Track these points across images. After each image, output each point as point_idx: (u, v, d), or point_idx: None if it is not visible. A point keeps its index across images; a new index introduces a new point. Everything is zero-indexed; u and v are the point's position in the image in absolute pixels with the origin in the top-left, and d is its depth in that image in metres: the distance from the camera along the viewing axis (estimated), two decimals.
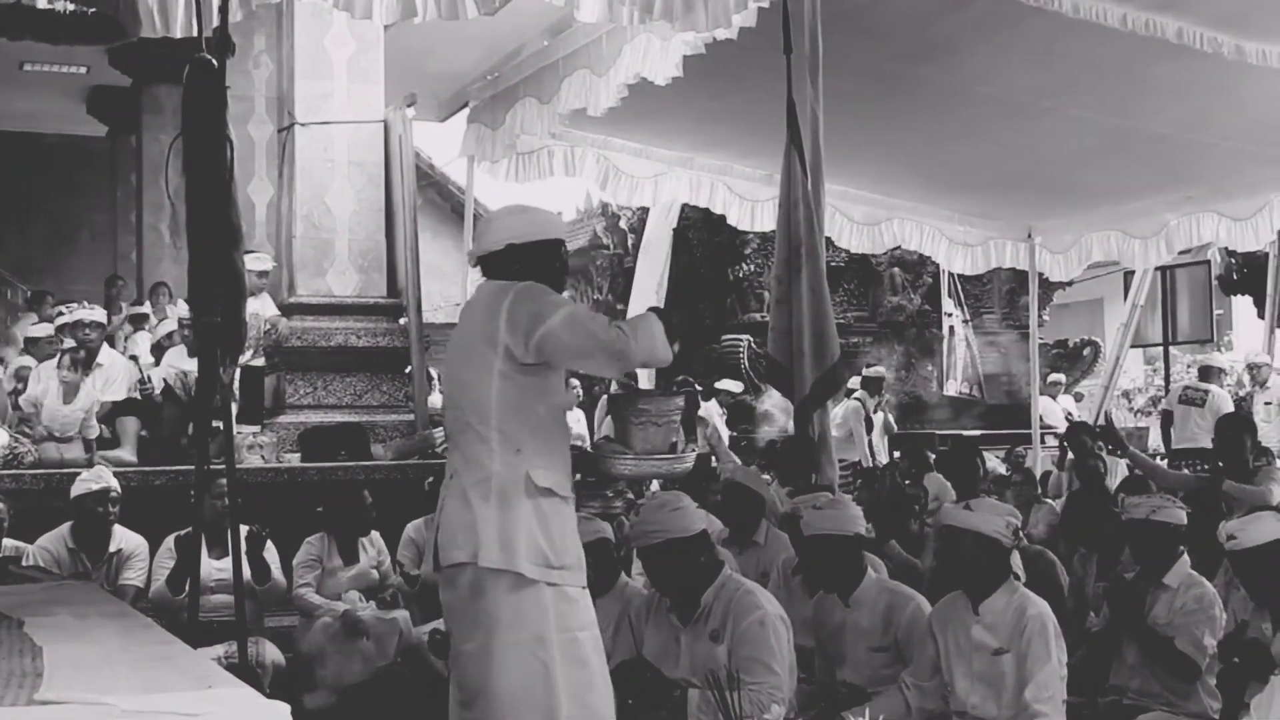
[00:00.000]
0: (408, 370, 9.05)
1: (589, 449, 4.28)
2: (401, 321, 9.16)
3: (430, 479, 7.15)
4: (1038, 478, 10.58)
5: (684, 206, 13.33)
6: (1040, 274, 12.04)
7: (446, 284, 19.04)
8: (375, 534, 7.07)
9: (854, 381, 14.46)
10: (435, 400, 9.23)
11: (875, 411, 14.45)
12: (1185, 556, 5.42)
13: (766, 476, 8.87)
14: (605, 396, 13.81)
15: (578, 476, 4.24)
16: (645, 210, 16.07)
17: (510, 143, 9.10)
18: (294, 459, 8.08)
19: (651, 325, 3.91)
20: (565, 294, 4.18)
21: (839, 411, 14.82)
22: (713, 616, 4.62)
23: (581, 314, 3.94)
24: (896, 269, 18.73)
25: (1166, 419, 13.04)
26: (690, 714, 4.42)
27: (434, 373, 9.66)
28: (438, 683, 6.09)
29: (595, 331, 3.85)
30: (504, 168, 9.69)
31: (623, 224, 19.29)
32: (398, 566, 6.98)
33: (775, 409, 14.52)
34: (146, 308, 11.37)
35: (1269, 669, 4.11)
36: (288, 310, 8.90)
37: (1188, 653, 5.07)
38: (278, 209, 10.11)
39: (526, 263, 4.04)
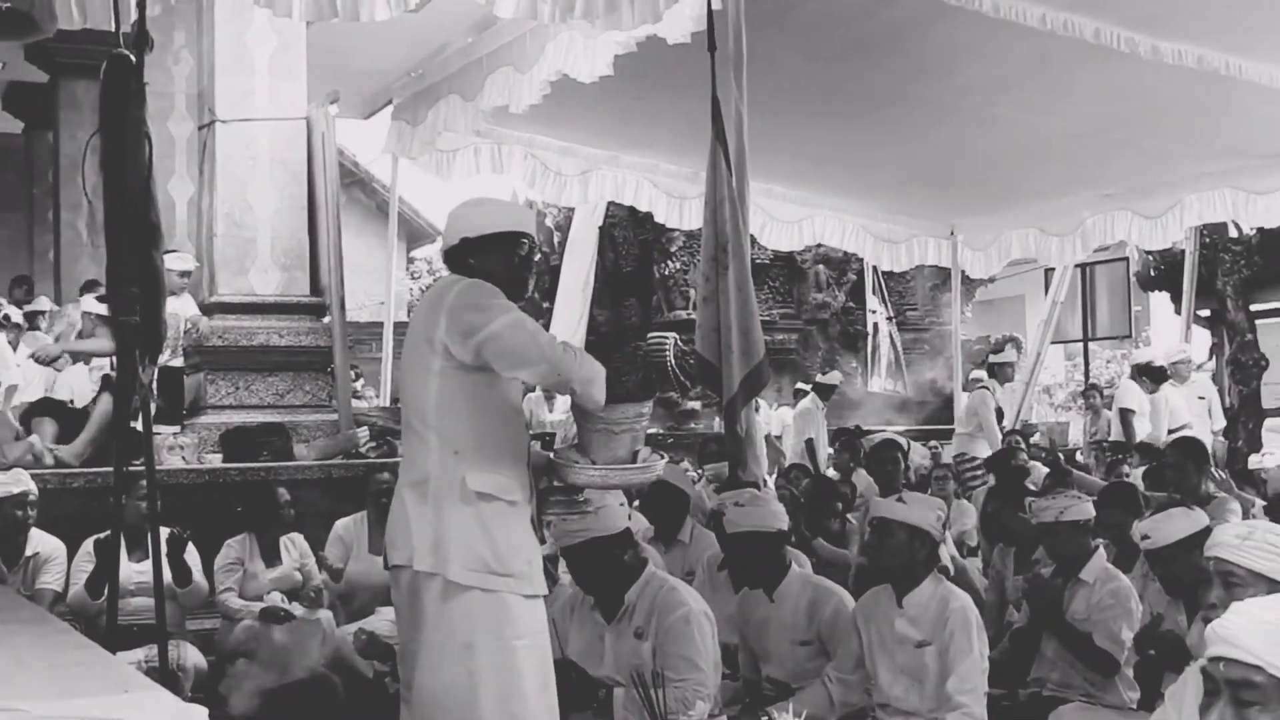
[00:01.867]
0: (331, 370, 8.96)
1: (551, 456, 4.16)
2: (325, 320, 9.07)
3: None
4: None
5: (609, 204, 13.33)
6: (963, 271, 12.17)
7: (371, 282, 18.88)
8: (298, 536, 7.00)
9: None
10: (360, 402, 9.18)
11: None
12: (1101, 551, 5.52)
13: (693, 473, 8.91)
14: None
15: (552, 483, 4.14)
16: (571, 209, 16.07)
17: (433, 140, 9.05)
18: (215, 460, 7.98)
19: (592, 364, 3.84)
20: (530, 288, 4.10)
21: (791, 414, 14.95)
22: (637, 614, 4.62)
23: (526, 321, 3.81)
24: (821, 266, 18.86)
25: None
26: (616, 713, 4.43)
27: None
28: (362, 684, 6.06)
29: (540, 341, 3.76)
30: (428, 165, 9.65)
31: (549, 222, 19.26)
32: (324, 563, 6.91)
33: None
34: (44, 303, 11.24)
35: (1184, 660, 4.18)
36: (209, 309, 8.79)
37: (1106, 646, 5.15)
38: (198, 207, 9.99)
39: (482, 257, 3.92)
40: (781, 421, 15.75)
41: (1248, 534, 3.63)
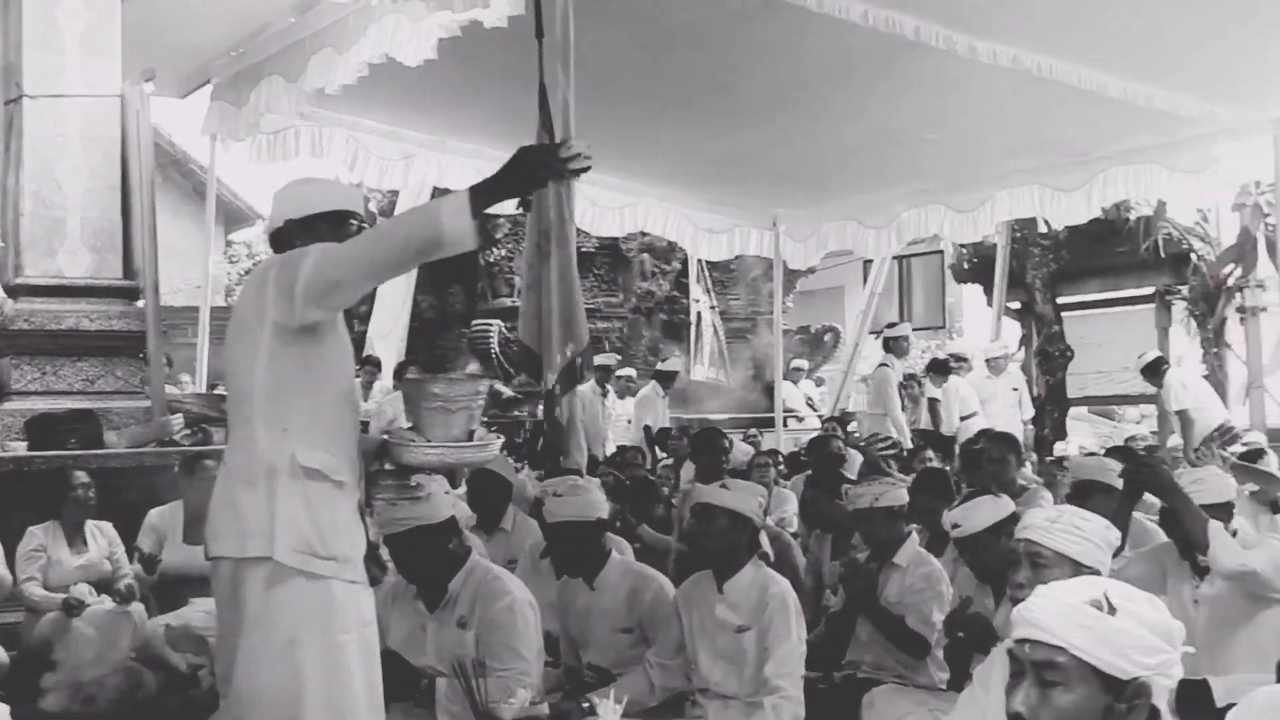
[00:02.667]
0: (144, 355, 8.70)
1: (385, 437, 4.03)
2: (138, 304, 8.79)
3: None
4: (781, 460, 10.86)
5: (434, 190, 13.19)
6: (784, 261, 12.35)
7: (187, 266, 18.40)
8: (107, 524, 6.79)
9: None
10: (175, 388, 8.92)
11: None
12: (914, 536, 5.67)
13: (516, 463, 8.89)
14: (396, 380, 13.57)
15: (385, 465, 4.03)
16: (395, 193, 15.85)
17: (254, 121, 8.84)
18: (20, 447, 7.68)
19: (420, 211, 3.57)
20: None
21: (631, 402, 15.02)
22: (460, 603, 4.58)
23: (329, 245, 3.60)
24: (646, 255, 18.97)
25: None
26: (438, 703, 4.38)
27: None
28: (174, 677, 5.91)
29: (344, 249, 3.56)
30: (247, 147, 9.42)
31: (372, 206, 18.99)
32: (136, 552, 6.71)
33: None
34: None
35: (992, 641, 4.31)
36: (14, 292, 8.44)
37: (918, 629, 5.29)
38: (3, 185, 9.59)
39: (308, 238, 3.74)
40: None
41: (1056, 517, 3.76)
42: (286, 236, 3.82)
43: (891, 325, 13.82)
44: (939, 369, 13.24)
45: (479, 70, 7.66)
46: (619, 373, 15.20)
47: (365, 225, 3.93)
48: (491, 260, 18.24)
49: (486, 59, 7.23)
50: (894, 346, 12.83)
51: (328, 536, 3.63)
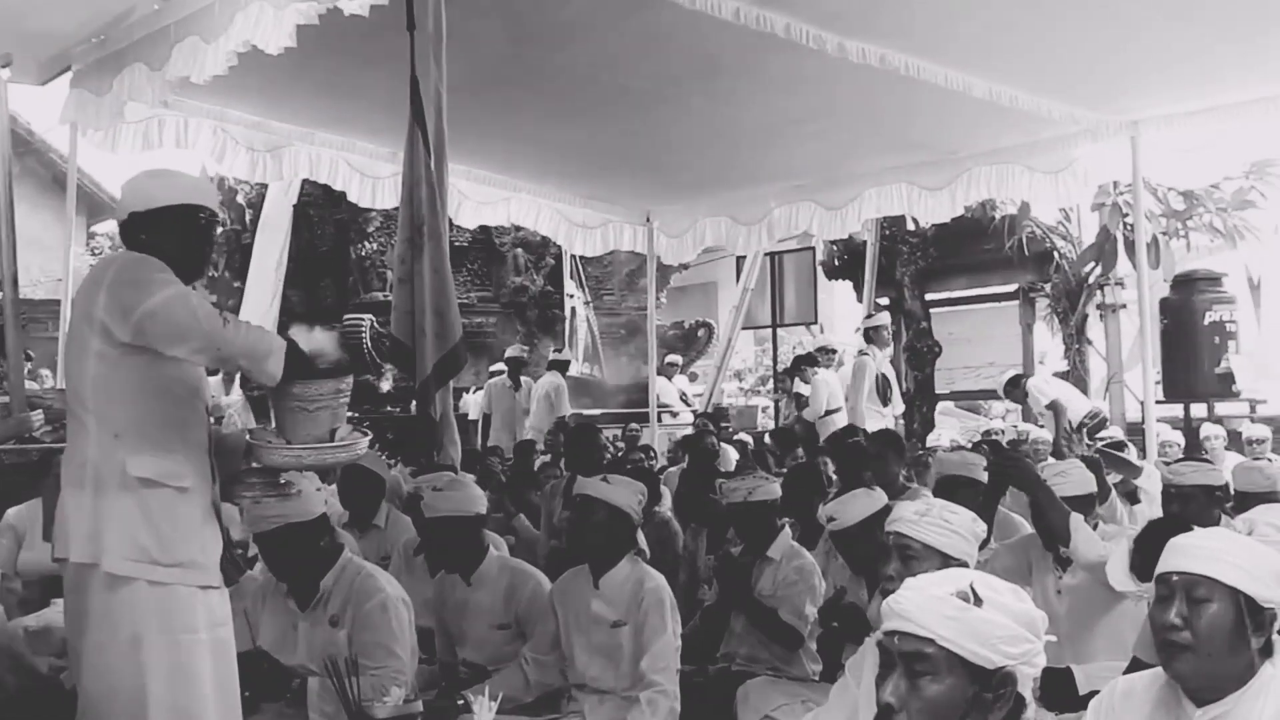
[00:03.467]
0: (2, 349, 8.45)
1: (247, 436, 3.94)
2: None
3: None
4: (655, 455, 10.92)
5: (305, 182, 12.99)
6: (658, 257, 12.38)
7: (47, 258, 17.87)
8: None
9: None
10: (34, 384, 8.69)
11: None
12: (786, 530, 5.74)
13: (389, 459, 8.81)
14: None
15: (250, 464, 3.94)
16: (264, 186, 15.61)
17: (117, 110, 8.60)
18: None
19: (265, 337, 3.67)
20: (209, 264, 3.91)
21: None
22: (332, 601, 4.53)
23: (188, 296, 3.58)
24: (520, 250, 18.92)
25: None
26: (310, 703, 4.32)
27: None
28: (35, 679, 5.74)
29: (199, 316, 3.54)
30: (109, 137, 9.17)
31: (240, 199, 18.67)
32: None
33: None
34: None
35: (864, 632, 4.37)
36: None
37: (791, 621, 5.36)
38: None
39: (154, 232, 3.69)
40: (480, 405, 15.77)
41: (925, 511, 3.83)
42: (133, 229, 3.74)
43: (869, 316, 14.02)
44: (807, 362, 13.44)
45: (349, 61, 7.55)
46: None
47: (215, 220, 3.88)
48: (363, 254, 18.04)
49: (357, 49, 7.13)
50: (874, 337, 12.97)
51: (170, 544, 3.57)
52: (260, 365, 3.61)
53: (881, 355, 12.96)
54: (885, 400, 12.65)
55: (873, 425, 11.61)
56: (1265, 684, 2.84)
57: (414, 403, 6.80)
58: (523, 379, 14.81)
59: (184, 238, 3.75)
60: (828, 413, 12.71)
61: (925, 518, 3.78)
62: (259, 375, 3.63)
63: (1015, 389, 12.95)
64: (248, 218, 18.28)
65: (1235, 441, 12.47)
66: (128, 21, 8.16)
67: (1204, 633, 2.83)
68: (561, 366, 14.67)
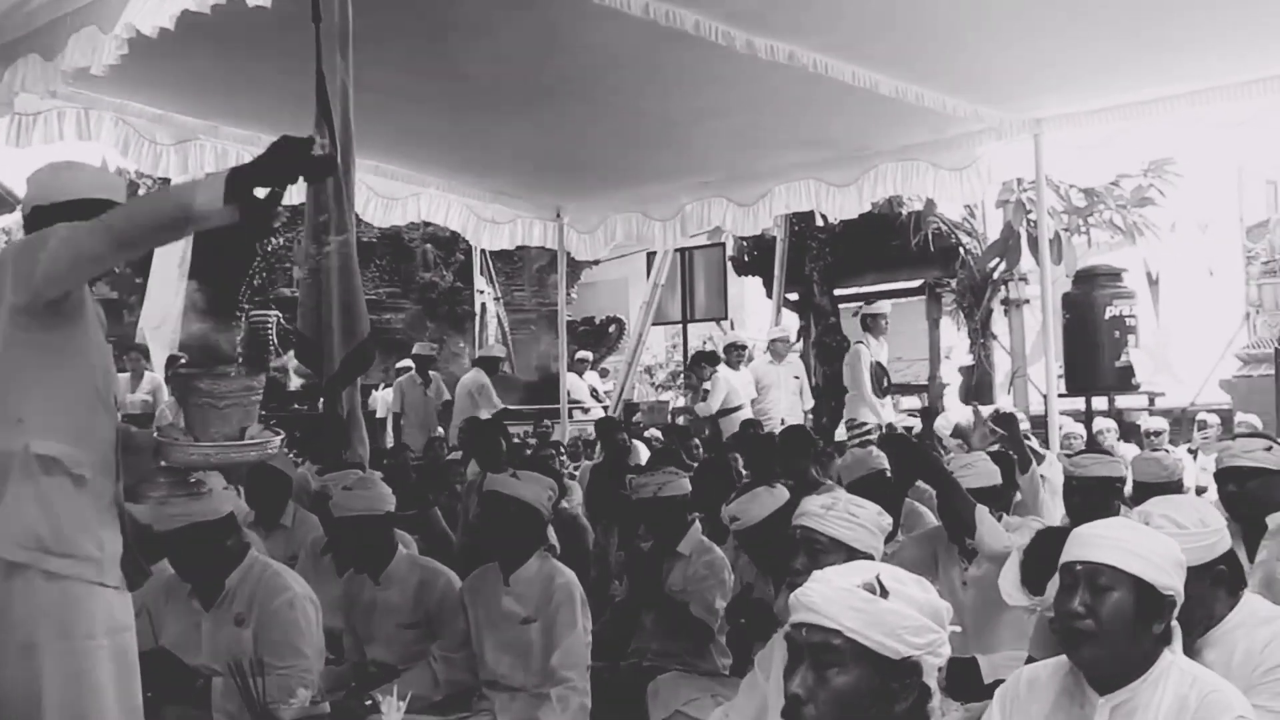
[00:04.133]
0: None
1: (155, 434, 3.85)
2: None
3: None
4: (566, 451, 10.92)
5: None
6: (568, 253, 12.37)
7: None
8: None
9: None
10: None
11: None
12: (697, 525, 5.76)
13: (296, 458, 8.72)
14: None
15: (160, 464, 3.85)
16: (167, 180, 15.36)
17: (8, 101, 8.40)
18: None
19: (184, 185, 3.45)
20: None
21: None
22: (238, 600, 4.47)
23: (77, 225, 3.39)
24: (429, 246, 18.82)
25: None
26: (214, 704, 4.26)
27: None
28: None
29: (111, 212, 3.38)
30: (4, 128, 8.96)
31: (143, 193, 18.36)
32: None
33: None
34: None
35: (772, 627, 4.40)
36: None
37: (701, 616, 5.37)
38: None
39: None
40: (388, 403, 15.66)
41: (831, 504, 3.87)
42: (39, 223, 3.61)
43: (870, 302, 13.80)
44: (707, 360, 13.48)
45: (254, 54, 7.45)
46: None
47: None
48: (270, 250, 17.84)
49: (262, 42, 7.04)
50: (871, 325, 12.80)
51: (66, 533, 3.44)
52: (191, 201, 3.26)
53: (876, 344, 12.85)
54: (882, 391, 12.65)
55: (871, 415, 11.60)
56: (1165, 671, 2.90)
57: (321, 400, 6.73)
58: (432, 374, 14.69)
59: None
60: (726, 411, 12.65)
61: (832, 511, 3.82)
62: (200, 213, 3.24)
63: (930, 418, 12.94)
64: None
65: (1134, 434, 12.74)
66: (24, 10, 7.98)
67: (1106, 620, 2.88)
68: (488, 364, 14.48)
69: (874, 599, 2.50)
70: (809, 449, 7.47)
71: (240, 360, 12.39)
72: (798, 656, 2.55)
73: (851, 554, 3.63)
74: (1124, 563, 2.88)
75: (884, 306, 13.42)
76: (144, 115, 9.18)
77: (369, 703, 4.42)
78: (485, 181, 11.19)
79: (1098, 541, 2.94)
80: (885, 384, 12.81)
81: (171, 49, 6.47)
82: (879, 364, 12.79)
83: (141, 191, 17.56)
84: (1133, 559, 2.89)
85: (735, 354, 13.50)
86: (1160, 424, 12.31)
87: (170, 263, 15.58)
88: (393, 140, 9.48)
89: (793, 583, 3.59)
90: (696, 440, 11.14)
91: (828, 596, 2.52)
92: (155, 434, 3.90)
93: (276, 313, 16.08)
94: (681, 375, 20.80)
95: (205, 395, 3.68)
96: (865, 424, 10.80)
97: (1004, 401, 13.85)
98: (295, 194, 9.85)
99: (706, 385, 12.98)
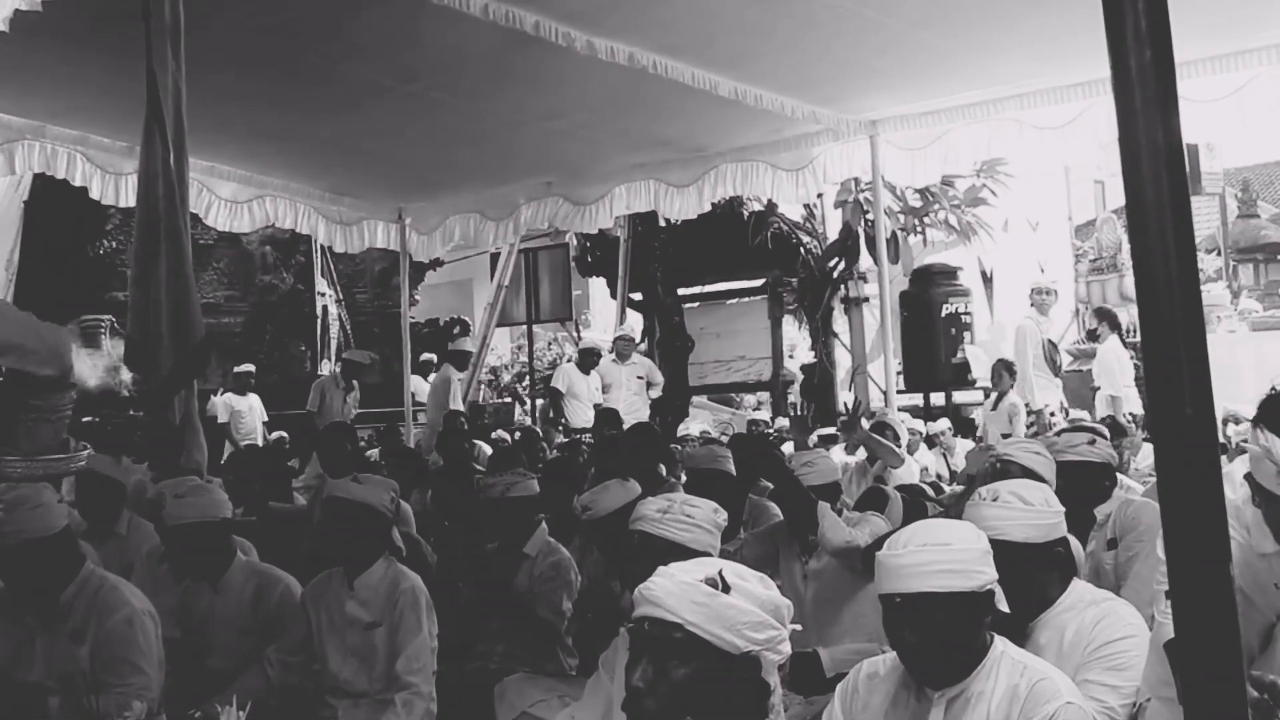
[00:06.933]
0: None
1: None
2: None
3: None
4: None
5: (36, 178, 12.40)
6: (409, 254, 12.28)
7: None
8: None
9: None
10: None
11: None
12: (544, 526, 5.75)
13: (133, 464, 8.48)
14: None
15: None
16: None
17: None
18: None
19: None
20: None
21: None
22: (74, 615, 4.33)
23: None
24: (268, 247, 18.51)
25: None
26: None
27: None
28: None
29: None
30: None
31: None
32: None
33: None
34: None
35: (618, 621, 4.42)
36: None
37: (547, 617, 5.37)
38: None
39: None
40: (228, 407, 15.35)
41: (667, 507, 3.89)
42: None
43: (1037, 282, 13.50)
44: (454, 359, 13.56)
45: (82, 51, 7.25)
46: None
47: None
48: (102, 252, 17.36)
49: (89, 38, 6.86)
50: (1038, 302, 12.42)
51: None
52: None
53: (1045, 321, 12.59)
54: (1056, 369, 12.51)
55: (1043, 396, 11.47)
56: (996, 660, 2.98)
57: (150, 406, 6.56)
58: (355, 383, 14.07)
59: None
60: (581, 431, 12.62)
61: (668, 515, 3.84)
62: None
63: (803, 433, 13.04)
64: None
65: (971, 428, 13.09)
66: None
67: (942, 642, 2.93)
68: (458, 359, 14.20)
69: (715, 594, 2.53)
70: (655, 446, 7.52)
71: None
72: (640, 650, 2.57)
73: (690, 555, 3.66)
74: (941, 584, 2.90)
75: (1050, 281, 13.11)
76: None
77: (198, 715, 4.31)
78: (328, 182, 11.07)
79: (908, 571, 2.93)
80: (1058, 363, 12.60)
81: None
82: (1050, 341, 12.55)
83: None
84: (949, 578, 2.90)
85: (589, 359, 13.45)
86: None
87: None
88: (233, 141, 9.33)
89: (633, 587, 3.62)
90: (544, 444, 11.12)
91: (670, 591, 2.55)
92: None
93: (109, 317, 15.66)
94: (528, 377, 20.78)
95: (36, 409, 3.58)
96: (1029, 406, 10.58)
97: (844, 398, 14.08)
98: (127, 196, 9.70)
99: (560, 387, 12.96)
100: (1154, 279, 1.71)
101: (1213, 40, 7.23)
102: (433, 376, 14.67)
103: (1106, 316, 12.38)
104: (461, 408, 13.48)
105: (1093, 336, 12.44)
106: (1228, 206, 22.93)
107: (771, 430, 13.22)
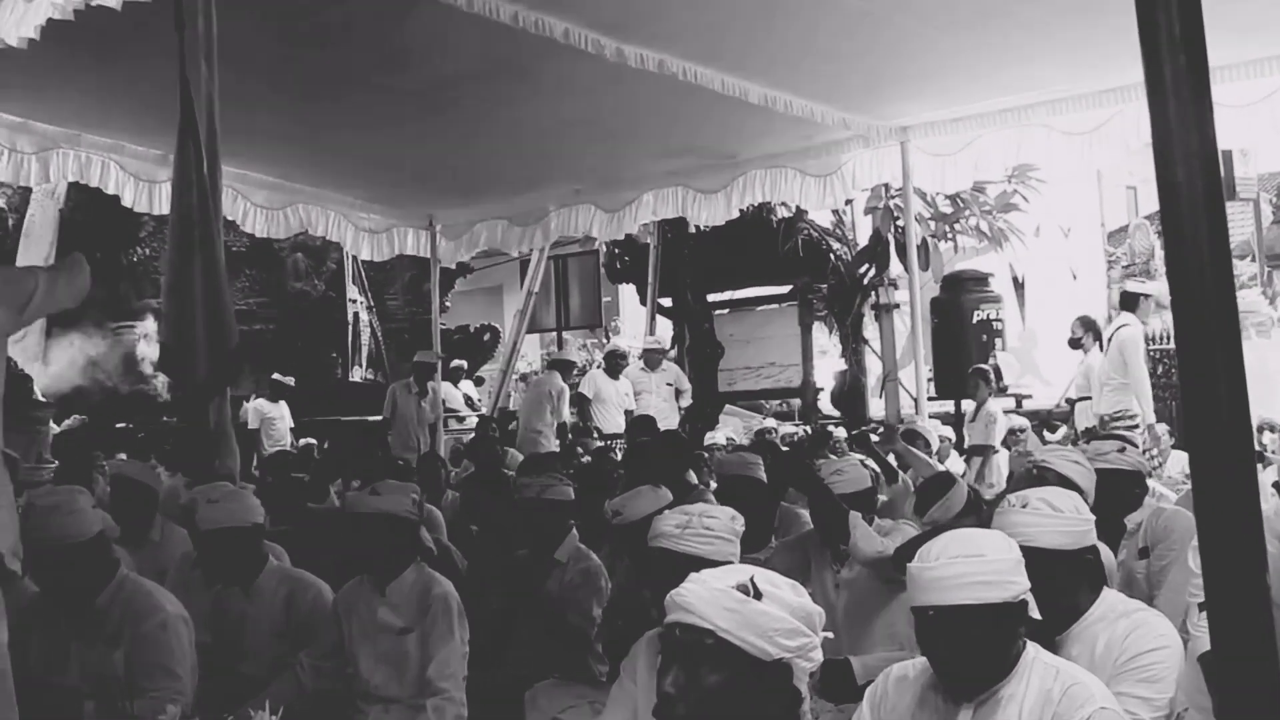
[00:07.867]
0: None
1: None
2: None
3: None
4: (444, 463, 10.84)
5: (71, 186, 12.51)
6: (439, 261, 12.32)
7: None
8: None
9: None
10: None
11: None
12: (574, 532, 5.74)
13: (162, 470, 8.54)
14: None
15: None
16: (26, 189, 15.00)
17: None
18: None
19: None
20: None
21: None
22: (109, 620, 4.37)
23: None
24: (300, 254, 18.60)
25: None
26: None
27: None
28: None
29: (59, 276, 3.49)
30: None
31: (1, 202, 17.88)
32: None
33: None
34: None
35: (648, 627, 4.41)
36: None
37: (578, 624, 5.36)
38: None
39: None
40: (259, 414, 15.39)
41: (685, 522, 3.85)
42: None
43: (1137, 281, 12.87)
44: (564, 368, 13.52)
45: (117, 62, 7.31)
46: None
47: None
48: (136, 260, 17.47)
49: (124, 48, 6.91)
50: (1133, 304, 10.77)
51: None
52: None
53: (1145, 328, 11.08)
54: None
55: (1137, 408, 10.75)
56: (1029, 665, 2.97)
57: (186, 412, 6.61)
58: (431, 385, 13.46)
59: None
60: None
61: (687, 530, 3.81)
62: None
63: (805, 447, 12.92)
64: (10, 222, 17.53)
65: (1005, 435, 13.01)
66: None
67: (981, 654, 2.93)
68: (562, 367, 13.96)
69: (747, 600, 2.52)
70: (684, 453, 7.52)
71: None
72: (671, 656, 2.57)
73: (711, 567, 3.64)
74: (976, 596, 2.89)
75: (1151, 287, 11.52)
76: (4, 124, 8.95)
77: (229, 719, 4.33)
78: (359, 190, 11.14)
79: (942, 584, 2.92)
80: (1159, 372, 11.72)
81: (33, 57, 6.30)
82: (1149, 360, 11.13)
83: (1, 201, 17.15)
84: (983, 590, 2.89)
85: (616, 362, 13.41)
86: (1022, 421, 12.60)
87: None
88: (266, 149, 9.40)
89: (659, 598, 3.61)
90: (579, 449, 11.11)
91: (702, 597, 2.54)
92: None
93: (144, 324, 15.79)
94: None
95: (37, 423, 3.63)
96: (1134, 414, 9.82)
97: (876, 406, 14.04)
98: (161, 203, 9.77)
99: (588, 394, 12.95)
100: (1189, 285, 1.71)
101: (1247, 45, 7.19)
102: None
103: (1091, 327, 12.09)
104: (567, 417, 13.24)
105: (1076, 345, 12.19)
106: (1262, 212, 22.71)
107: (776, 436, 13.19)
